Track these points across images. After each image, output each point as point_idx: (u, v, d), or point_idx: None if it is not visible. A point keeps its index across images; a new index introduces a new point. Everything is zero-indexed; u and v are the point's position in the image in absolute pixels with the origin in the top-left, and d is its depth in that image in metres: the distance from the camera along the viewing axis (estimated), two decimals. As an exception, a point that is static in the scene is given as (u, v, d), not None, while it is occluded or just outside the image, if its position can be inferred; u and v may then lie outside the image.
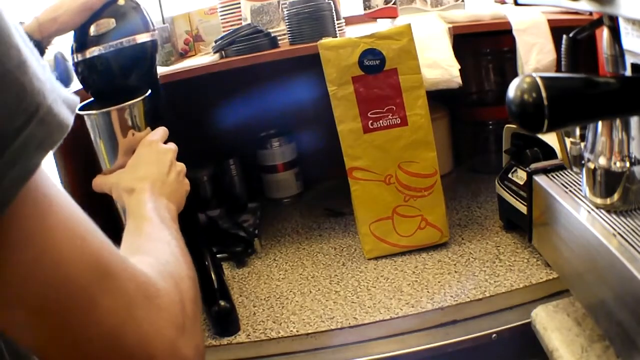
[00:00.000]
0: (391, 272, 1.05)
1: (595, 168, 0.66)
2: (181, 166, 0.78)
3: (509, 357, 0.89)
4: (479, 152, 1.44)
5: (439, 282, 0.98)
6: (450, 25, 1.14)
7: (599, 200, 0.69)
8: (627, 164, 0.64)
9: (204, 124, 1.43)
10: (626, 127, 0.63)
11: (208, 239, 1.11)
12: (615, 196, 0.67)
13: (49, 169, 0.34)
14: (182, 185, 0.77)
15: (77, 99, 0.37)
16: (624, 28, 0.59)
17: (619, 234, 0.64)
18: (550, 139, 0.95)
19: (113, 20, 0.81)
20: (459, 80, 1.09)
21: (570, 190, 0.78)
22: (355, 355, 0.85)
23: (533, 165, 0.88)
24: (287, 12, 1.18)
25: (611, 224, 0.66)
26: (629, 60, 0.61)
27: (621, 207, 0.68)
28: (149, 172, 0.72)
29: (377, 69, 1.04)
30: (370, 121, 1.05)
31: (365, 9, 1.29)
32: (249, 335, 0.93)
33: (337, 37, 1.18)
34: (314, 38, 1.12)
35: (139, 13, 0.84)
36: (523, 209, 0.97)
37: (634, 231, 0.64)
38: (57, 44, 0.92)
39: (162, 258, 0.50)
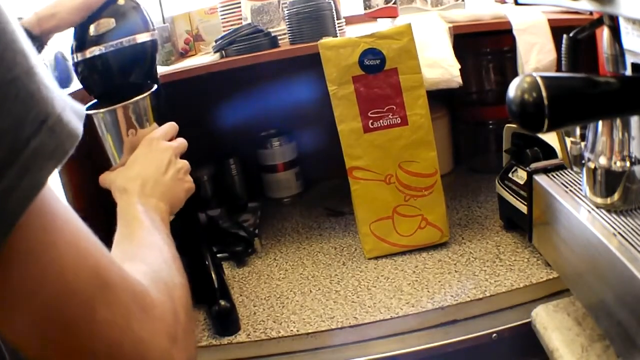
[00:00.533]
0: (391, 271, 1.05)
1: (595, 168, 0.66)
2: (182, 163, 0.77)
3: (509, 357, 0.89)
4: (479, 152, 1.44)
5: (439, 281, 0.98)
6: (451, 25, 1.14)
7: (599, 200, 0.69)
8: (628, 164, 0.64)
9: (204, 124, 1.43)
10: (626, 127, 0.63)
11: (208, 238, 1.11)
12: (616, 196, 0.67)
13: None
14: (182, 183, 0.76)
15: (82, 107, 0.36)
16: (624, 27, 0.59)
17: (619, 233, 0.64)
18: (550, 138, 0.95)
19: (113, 20, 0.81)
20: (459, 79, 1.09)
21: (570, 190, 0.78)
22: (356, 354, 0.85)
23: (533, 165, 0.88)
24: (287, 11, 1.18)
25: (611, 223, 0.66)
26: (629, 59, 0.61)
27: (621, 207, 0.68)
28: (143, 172, 0.72)
29: (377, 68, 1.04)
30: (371, 121, 1.05)
31: (365, 9, 1.29)
32: (249, 334, 0.93)
33: (337, 36, 1.18)
34: (314, 38, 1.12)
35: (139, 13, 0.84)
36: (523, 208, 0.97)
37: (634, 231, 0.63)
38: (57, 44, 0.92)
39: (155, 265, 0.50)
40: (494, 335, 0.84)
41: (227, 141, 1.48)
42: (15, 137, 0.30)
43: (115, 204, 0.69)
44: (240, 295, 1.06)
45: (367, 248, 1.11)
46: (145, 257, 0.53)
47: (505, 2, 1.28)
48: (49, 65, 1.16)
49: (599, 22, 0.63)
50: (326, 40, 1.06)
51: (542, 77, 0.51)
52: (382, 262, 1.09)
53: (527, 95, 0.50)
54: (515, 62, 1.13)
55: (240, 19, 1.30)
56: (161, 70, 1.12)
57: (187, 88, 1.22)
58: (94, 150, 0.88)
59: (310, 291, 1.03)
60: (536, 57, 1.09)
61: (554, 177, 0.84)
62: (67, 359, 0.35)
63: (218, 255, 1.16)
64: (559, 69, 1.05)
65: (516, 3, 0.76)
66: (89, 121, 0.81)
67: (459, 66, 1.09)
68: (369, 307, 0.95)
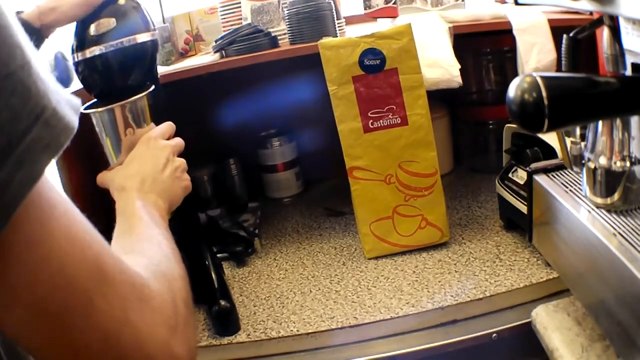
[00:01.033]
0: (391, 271, 1.05)
1: (595, 167, 0.66)
2: (180, 162, 0.78)
3: (509, 357, 0.89)
4: (479, 152, 1.44)
5: (439, 281, 0.98)
6: (451, 25, 1.14)
7: (599, 200, 0.69)
8: (628, 164, 0.64)
9: (204, 124, 1.43)
10: (626, 127, 0.63)
11: (208, 238, 1.11)
12: (616, 196, 0.67)
13: (50, 169, 0.34)
14: (179, 181, 0.76)
15: (79, 100, 0.37)
16: (624, 27, 0.59)
17: (619, 233, 0.64)
18: (550, 138, 0.95)
19: (113, 19, 0.81)
20: (459, 79, 1.09)
21: (570, 190, 0.78)
22: (356, 354, 0.85)
23: (533, 165, 0.88)
24: (287, 11, 1.18)
25: (611, 223, 0.66)
26: (629, 59, 0.61)
27: (621, 207, 0.68)
28: (141, 169, 0.72)
29: (377, 68, 1.04)
30: (371, 121, 1.05)
31: (365, 9, 1.29)
32: (249, 334, 0.93)
33: (337, 36, 1.18)
34: (314, 38, 1.12)
35: (140, 12, 0.84)
36: (523, 208, 0.97)
37: (634, 231, 0.64)
38: (57, 44, 0.92)
39: (154, 258, 0.50)
40: (494, 335, 0.84)
41: (227, 141, 1.48)
42: (11, 131, 0.30)
43: (114, 203, 0.69)
44: (240, 295, 1.06)
45: (367, 248, 1.11)
46: (144, 250, 0.53)
47: (505, 2, 1.28)
48: (49, 65, 1.16)
49: (599, 22, 0.63)
50: (326, 40, 1.06)
51: (542, 77, 0.51)
52: (382, 262, 1.09)
53: (527, 95, 0.50)
54: (515, 62, 1.13)
55: (240, 19, 1.30)
56: (161, 70, 1.12)
57: (187, 88, 1.22)
58: (94, 150, 0.88)
59: (310, 291, 1.03)
60: (536, 57, 1.09)
61: (554, 177, 0.84)
62: (64, 350, 0.35)
63: (218, 255, 1.16)
64: (559, 69, 1.05)
65: (516, 3, 0.76)
66: (88, 120, 0.82)
67: (459, 66, 1.09)
68: (369, 307, 0.95)
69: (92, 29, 0.81)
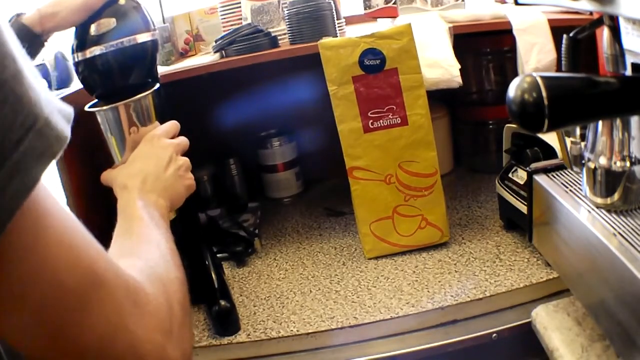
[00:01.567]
0: (391, 271, 1.05)
1: (595, 168, 0.66)
2: (184, 160, 0.78)
3: (509, 357, 0.89)
4: (479, 152, 1.44)
5: (439, 281, 0.98)
6: (451, 25, 1.14)
7: (599, 200, 0.69)
8: (628, 164, 0.64)
9: (204, 124, 1.43)
10: (626, 127, 0.63)
11: (208, 238, 1.12)
12: (616, 196, 0.67)
13: (49, 170, 0.34)
14: (182, 180, 0.76)
15: (71, 109, 0.37)
16: (624, 27, 0.59)
17: (619, 233, 0.64)
18: (550, 138, 0.95)
19: (114, 19, 0.81)
20: (459, 79, 1.09)
21: (570, 190, 0.78)
22: (356, 354, 0.85)
23: (533, 165, 0.88)
24: (287, 11, 1.18)
25: (611, 223, 0.66)
26: (629, 59, 0.61)
27: (621, 207, 0.68)
28: (143, 168, 0.72)
29: (377, 68, 1.04)
30: (371, 121, 1.05)
31: (365, 9, 1.29)
32: (249, 334, 0.93)
33: (337, 36, 1.19)
34: (314, 38, 1.12)
35: (140, 12, 0.85)
36: (523, 208, 0.97)
37: (634, 231, 0.64)
38: (57, 44, 0.92)
39: (151, 261, 0.50)
40: (494, 335, 0.84)
41: (227, 141, 1.48)
42: (4, 141, 0.30)
43: (116, 202, 0.69)
44: (240, 295, 1.06)
45: (367, 248, 1.11)
46: (142, 252, 0.54)
47: (505, 2, 1.28)
48: (49, 65, 1.16)
49: (599, 22, 0.63)
50: (326, 40, 1.06)
51: (542, 77, 0.51)
52: (382, 262, 1.09)
53: (527, 95, 0.50)
54: (515, 62, 1.13)
55: (240, 19, 1.30)
56: (161, 70, 1.12)
57: (187, 88, 1.22)
58: (94, 150, 0.88)
59: (310, 291, 1.03)
60: (536, 57, 1.09)
61: (554, 177, 0.84)
62: (61, 355, 0.36)
63: (218, 255, 1.16)
64: (559, 69, 1.05)
65: (516, 3, 0.76)
66: (91, 120, 0.82)
67: (459, 66, 1.09)
68: (369, 307, 0.95)
69: (93, 29, 0.81)
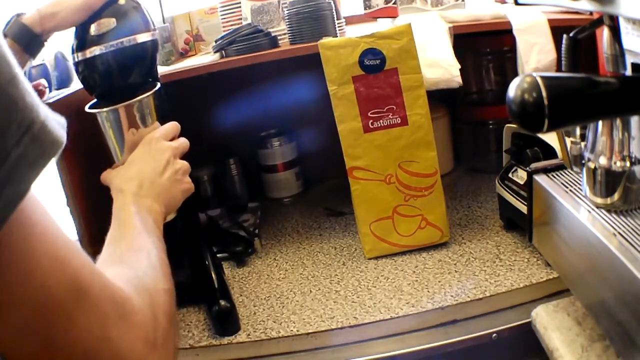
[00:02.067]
0: (391, 271, 1.05)
1: (595, 167, 0.66)
2: (181, 164, 0.77)
3: (509, 357, 0.89)
4: (479, 152, 1.44)
5: (439, 281, 0.98)
6: (451, 25, 1.14)
7: (599, 200, 0.69)
8: (628, 164, 0.64)
9: (204, 124, 1.43)
10: (626, 127, 0.63)
11: (208, 238, 1.12)
12: (616, 196, 0.67)
13: (48, 171, 0.34)
14: (179, 184, 0.76)
15: (63, 119, 0.36)
16: (624, 27, 0.59)
17: (619, 233, 0.64)
18: (550, 138, 0.95)
19: (114, 19, 0.81)
20: (459, 79, 1.09)
21: (570, 190, 0.78)
22: (356, 354, 0.85)
23: (533, 165, 0.88)
24: (287, 11, 1.18)
25: (611, 223, 0.66)
26: (629, 59, 0.61)
27: (621, 207, 0.68)
28: (140, 171, 0.72)
29: (377, 68, 1.04)
30: (371, 121, 1.05)
31: (365, 9, 1.29)
32: (249, 334, 0.93)
33: (337, 36, 1.18)
34: (314, 38, 1.12)
35: (140, 12, 0.85)
36: (523, 208, 0.97)
37: (634, 231, 0.63)
38: (57, 44, 0.92)
39: (140, 270, 0.50)
40: (494, 335, 0.84)
41: (226, 141, 1.48)
42: None
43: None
44: (240, 295, 1.06)
45: (367, 248, 1.11)
46: (131, 260, 0.54)
47: (505, 2, 1.28)
48: (49, 65, 1.16)
49: (599, 22, 0.63)
50: (326, 40, 1.06)
51: (542, 77, 0.51)
52: (382, 262, 1.09)
53: (527, 95, 0.50)
54: (515, 62, 1.13)
55: (240, 19, 1.30)
56: (161, 70, 1.12)
57: (187, 88, 1.22)
58: (94, 150, 0.88)
59: (310, 291, 1.03)
60: (536, 57, 1.09)
61: (554, 177, 0.84)
62: None
63: (218, 255, 1.16)
64: (559, 69, 1.05)
65: (516, 3, 0.76)
66: (90, 120, 0.81)
67: (459, 66, 1.09)
68: (369, 307, 0.95)
69: (93, 29, 0.81)
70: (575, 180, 0.80)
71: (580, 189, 0.75)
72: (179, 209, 0.80)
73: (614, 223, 0.66)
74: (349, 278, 1.05)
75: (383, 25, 1.28)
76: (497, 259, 1.02)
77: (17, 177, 0.30)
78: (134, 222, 0.62)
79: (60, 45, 1.16)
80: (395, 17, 1.26)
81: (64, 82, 1.22)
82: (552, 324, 0.76)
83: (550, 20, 1.10)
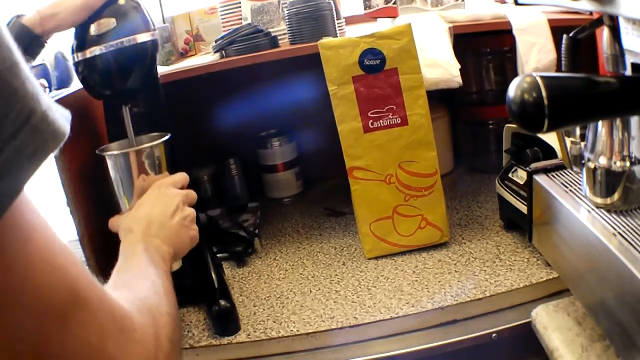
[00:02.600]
0: (391, 271, 1.05)
1: (595, 168, 0.66)
2: (190, 211, 0.78)
3: (509, 357, 0.89)
4: (479, 152, 1.44)
5: (439, 281, 0.98)
6: (451, 25, 1.14)
7: (599, 200, 0.69)
8: (628, 164, 0.64)
9: (204, 124, 1.43)
10: (626, 127, 0.63)
11: (208, 238, 1.11)
12: (616, 196, 0.67)
13: (45, 164, 0.32)
14: (187, 230, 0.76)
15: (67, 112, 0.34)
16: (624, 27, 0.59)
17: (619, 233, 0.64)
18: (550, 138, 0.95)
19: (113, 19, 0.81)
20: (459, 79, 1.09)
21: (570, 190, 0.78)
22: (356, 354, 0.85)
23: (533, 165, 0.88)
24: (287, 11, 1.18)
25: (611, 223, 0.66)
26: (629, 59, 0.61)
27: (621, 207, 0.68)
28: (149, 213, 0.73)
29: (377, 68, 1.04)
30: (371, 121, 1.05)
31: (365, 9, 1.29)
32: (249, 334, 0.93)
33: (337, 36, 1.19)
34: (314, 38, 1.12)
35: (140, 12, 0.85)
36: (523, 208, 0.97)
37: (634, 231, 0.64)
38: (57, 44, 0.92)
39: (142, 293, 0.50)
40: (494, 335, 0.84)
41: (226, 141, 1.48)
42: None
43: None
44: (240, 295, 1.06)
45: (367, 248, 1.11)
46: (135, 285, 0.54)
47: (505, 2, 1.28)
48: (49, 65, 1.16)
49: (599, 22, 0.63)
50: (326, 40, 1.06)
51: (542, 77, 0.51)
52: (382, 262, 1.09)
53: (527, 95, 0.50)
54: (515, 62, 1.13)
55: (240, 19, 1.30)
56: (161, 70, 1.12)
57: (187, 88, 1.22)
58: (94, 149, 0.88)
59: (310, 291, 1.03)
60: (536, 57, 1.09)
61: (554, 177, 0.84)
62: None
63: (218, 255, 1.16)
64: (559, 69, 1.05)
65: (516, 3, 0.76)
66: (90, 119, 0.81)
67: (459, 66, 1.09)
68: (369, 307, 0.95)
69: (93, 29, 0.81)
70: (575, 180, 0.80)
71: (580, 189, 0.75)
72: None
73: (614, 223, 0.66)
74: (349, 278, 1.05)
75: (383, 25, 1.28)
76: (497, 259, 1.02)
77: (15, 168, 0.29)
78: (140, 255, 0.63)
79: (60, 45, 1.16)
80: (395, 17, 1.27)
81: (64, 82, 1.22)
82: (552, 324, 0.76)
83: (550, 20, 1.10)
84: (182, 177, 0.82)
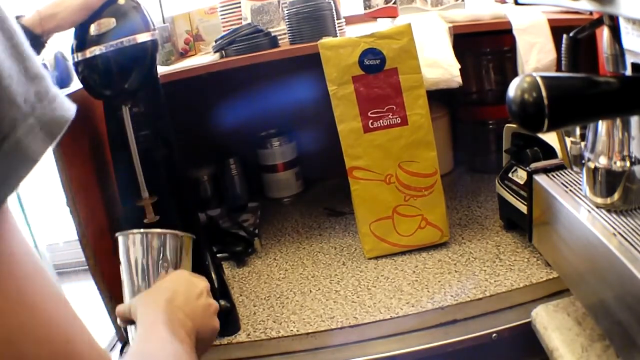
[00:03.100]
0: (391, 271, 1.05)
1: (595, 167, 0.66)
2: (214, 303, 0.69)
3: (509, 357, 0.89)
4: (479, 152, 1.44)
5: (439, 281, 0.98)
6: (451, 25, 1.14)
7: (599, 200, 0.69)
8: (627, 164, 0.64)
9: (204, 124, 1.43)
10: (626, 127, 0.63)
11: (208, 238, 1.11)
12: (616, 196, 0.67)
13: (45, 164, 0.29)
14: (210, 320, 0.66)
15: (71, 106, 0.31)
16: (624, 27, 0.59)
17: (619, 233, 0.64)
18: (550, 138, 0.95)
19: (113, 19, 0.81)
20: (459, 79, 1.09)
21: (570, 190, 0.78)
22: (355, 354, 0.85)
23: (533, 165, 0.88)
24: (287, 11, 1.18)
25: (611, 223, 0.66)
26: (629, 59, 0.61)
27: (621, 207, 0.68)
28: (173, 287, 0.64)
29: (377, 68, 1.04)
30: (371, 121, 1.05)
31: (365, 9, 1.29)
32: (249, 334, 0.93)
33: (337, 36, 1.18)
34: (314, 38, 1.12)
35: (140, 12, 0.85)
36: (523, 208, 0.97)
37: (634, 231, 0.63)
38: (57, 44, 0.92)
39: (153, 355, 0.46)
40: (494, 335, 0.84)
41: (227, 141, 1.48)
42: None
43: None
44: (241, 295, 1.06)
45: (367, 248, 1.11)
46: (148, 350, 0.49)
47: (505, 2, 1.28)
48: (49, 65, 1.16)
49: (599, 22, 0.63)
50: (326, 40, 1.06)
51: (542, 77, 0.51)
52: (382, 262, 1.09)
53: (527, 95, 0.50)
54: (515, 62, 1.13)
55: (240, 19, 1.30)
56: (161, 70, 1.12)
57: (187, 88, 1.22)
58: (94, 149, 0.88)
59: (310, 291, 1.03)
60: (536, 57, 1.09)
61: (554, 177, 0.84)
62: None
63: (218, 255, 1.16)
64: (559, 69, 1.05)
65: (516, 3, 0.76)
66: (90, 119, 0.81)
67: (459, 66, 1.09)
68: (369, 307, 0.95)
69: (92, 29, 0.81)
70: (575, 180, 0.80)
71: (580, 189, 0.75)
72: (177, 211, 0.74)
73: (614, 223, 0.66)
74: (349, 278, 1.05)
75: (383, 25, 1.28)
76: (497, 259, 1.01)
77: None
78: (162, 328, 0.55)
79: (60, 45, 1.16)
80: (395, 17, 1.26)
81: (64, 82, 1.22)
82: (552, 324, 0.76)
83: (550, 20, 1.10)
84: (205, 284, 0.70)
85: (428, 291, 0.96)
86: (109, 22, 0.81)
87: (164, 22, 1.44)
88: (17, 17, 0.80)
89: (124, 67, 0.83)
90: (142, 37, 0.83)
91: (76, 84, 0.91)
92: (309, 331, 0.91)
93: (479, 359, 0.88)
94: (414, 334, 0.87)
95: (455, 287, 0.95)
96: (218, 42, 1.20)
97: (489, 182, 1.25)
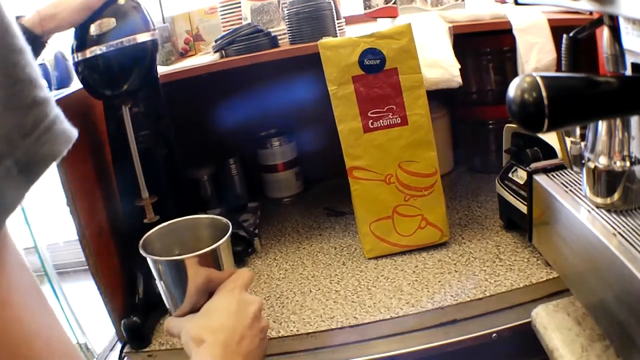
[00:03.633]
0: (391, 271, 1.05)
1: (595, 167, 0.66)
2: (266, 322, 0.68)
3: (509, 357, 0.89)
4: (479, 152, 1.44)
5: (439, 281, 0.98)
6: (451, 25, 1.14)
7: (599, 200, 0.69)
8: (628, 164, 0.64)
9: (204, 124, 1.43)
10: (626, 127, 0.63)
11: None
12: (616, 196, 0.67)
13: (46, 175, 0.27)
14: (263, 343, 0.66)
15: (70, 135, 0.28)
16: (624, 27, 0.59)
17: (619, 233, 0.64)
18: (550, 138, 0.95)
19: (113, 19, 0.81)
20: (459, 79, 1.09)
21: (570, 190, 0.78)
22: (355, 354, 0.85)
23: (533, 165, 0.88)
24: (287, 11, 1.18)
25: (611, 223, 0.66)
26: (629, 59, 0.61)
27: (621, 207, 0.68)
28: (226, 324, 0.63)
29: (377, 68, 1.04)
30: (371, 121, 1.05)
31: (365, 9, 1.29)
32: (249, 334, 0.93)
33: (337, 36, 1.19)
34: (314, 38, 1.12)
35: (140, 12, 0.85)
36: (523, 208, 0.97)
37: (634, 231, 0.63)
38: (57, 44, 0.92)
39: None
40: (494, 335, 0.84)
41: (226, 141, 1.48)
42: None
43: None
44: (240, 295, 1.06)
45: (367, 248, 1.11)
46: None
47: (505, 2, 1.28)
48: (49, 65, 1.16)
49: (599, 22, 0.63)
50: (326, 40, 1.06)
51: (542, 77, 0.51)
52: (382, 262, 1.09)
53: (527, 95, 0.50)
54: (515, 62, 1.13)
55: (240, 18, 1.30)
56: (161, 70, 1.12)
57: (187, 88, 1.22)
58: (95, 149, 0.88)
59: (310, 291, 1.03)
60: (536, 57, 1.09)
61: (554, 177, 0.84)
62: None
63: (218, 255, 1.16)
64: (559, 69, 1.05)
65: (516, 3, 0.76)
66: (90, 119, 0.81)
67: (459, 66, 1.09)
68: (369, 307, 0.95)
69: (93, 29, 0.81)
70: (575, 180, 0.80)
71: (580, 189, 0.76)
72: (176, 210, 0.73)
73: (614, 223, 0.66)
74: (349, 278, 1.05)
75: (383, 25, 1.28)
76: (497, 259, 1.02)
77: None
78: None
79: (60, 45, 1.16)
80: (395, 17, 1.26)
81: (64, 82, 1.22)
82: (552, 324, 0.76)
83: (550, 20, 1.10)
84: (251, 276, 0.70)
85: (428, 291, 0.96)
86: (109, 22, 0.81)
87: (164, 22, 1.44)
88: (17, 18, 0.80)
89: (124, 67, 0.84)
90: (142, 37, 0.83)
91: (76, 84, 0.91)
92: (309, 331, 0.91)
93: (478, 359, 0.88)
94: (414, 334, 0.87)
95: (455, 287, 0.95)
96: (218, 42, 1.20)
97: (489, 182, 1.25)
